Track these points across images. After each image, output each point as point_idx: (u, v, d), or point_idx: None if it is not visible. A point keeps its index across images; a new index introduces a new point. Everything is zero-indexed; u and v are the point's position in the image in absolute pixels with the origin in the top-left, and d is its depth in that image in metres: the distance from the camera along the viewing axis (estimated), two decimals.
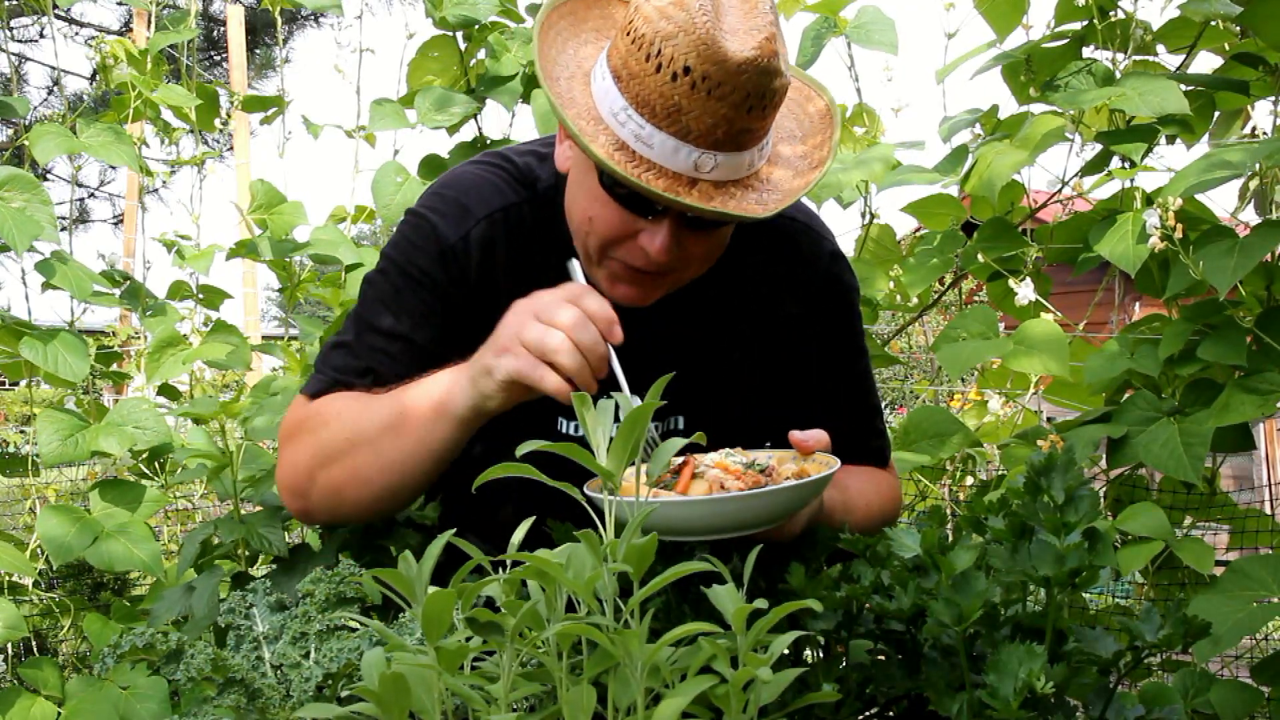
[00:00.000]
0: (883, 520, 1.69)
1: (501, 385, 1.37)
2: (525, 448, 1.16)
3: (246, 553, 2.38)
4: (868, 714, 1.26)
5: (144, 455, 2.47)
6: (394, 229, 1.76)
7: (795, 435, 1.42)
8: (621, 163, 1.35)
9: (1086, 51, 2.41)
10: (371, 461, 1.51)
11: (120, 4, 10.51)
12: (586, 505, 1.11)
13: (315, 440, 1.56)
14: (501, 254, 1.59)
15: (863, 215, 2.75)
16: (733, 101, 1.32)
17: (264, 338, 6.68)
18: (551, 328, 1.33)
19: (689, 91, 1.31)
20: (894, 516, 1.74)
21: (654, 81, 1.33)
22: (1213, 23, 2.31)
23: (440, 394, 1.45)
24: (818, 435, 1.42)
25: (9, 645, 2.62)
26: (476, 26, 2.75)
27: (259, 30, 10.22)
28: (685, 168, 1.35)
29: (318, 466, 1.56)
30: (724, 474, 1.32)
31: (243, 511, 2.36)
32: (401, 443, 1.48)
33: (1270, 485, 5.53)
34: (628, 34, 1.36)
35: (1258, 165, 2.08)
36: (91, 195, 11.30)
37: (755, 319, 1.67)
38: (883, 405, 1.83)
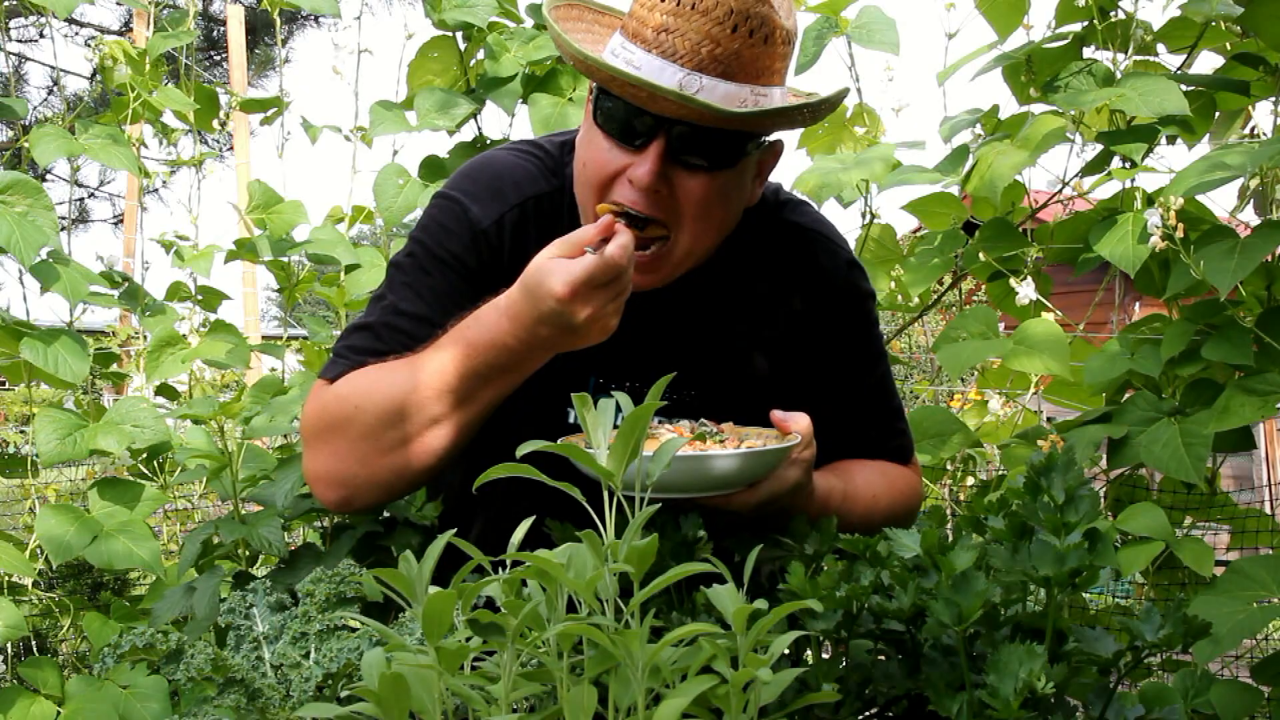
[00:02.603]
0: (891, 514, 1.67)
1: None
2: (525, 448, 1.16)
3: (247, 553, 2.38)
4: (868, 714, 1.26)
5: (143, 455, 2.47)
6: (421, 212, 1.75)
7: (776, 414, 1.43)
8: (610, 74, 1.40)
9: (1087, 52, 2.41)
10: (440, 430, 1.47)
11: (120, 4, 10.50)
12: (588, 507, 1.11)
13: (357, 425, 1.49)
14: (533, 242, 1.53)
15: (863, 215, 2.75)
16: (715, 17, 1.37)
17: (264, 338, 6.68)
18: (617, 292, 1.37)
19: (675, 9, 1.38)
20: (906, 512, 1.72)
21: (646, 11, 1.41)
22: (1213, 23, 2.30)
23: (472, 334, 1.43)
24: (797, 417, 1.44)
25: (9, 645, 2.62)
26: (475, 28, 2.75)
27: (259, 30, 10.21)
28: (671, 85, 1.38)
29: (367, 452, 1.49)
30: (677, 438, 1.32)
31: (243, 511, 2.36)
32: (477, 397, 1.46)
33: (1270, 485, 5.53)
34: None
35: (1258, 166, 2.08)
36: (91, 195, 11.29)
37: (773, 327, 1.67)
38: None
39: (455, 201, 1.60)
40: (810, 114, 1.48)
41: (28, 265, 2.19)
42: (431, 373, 1.45)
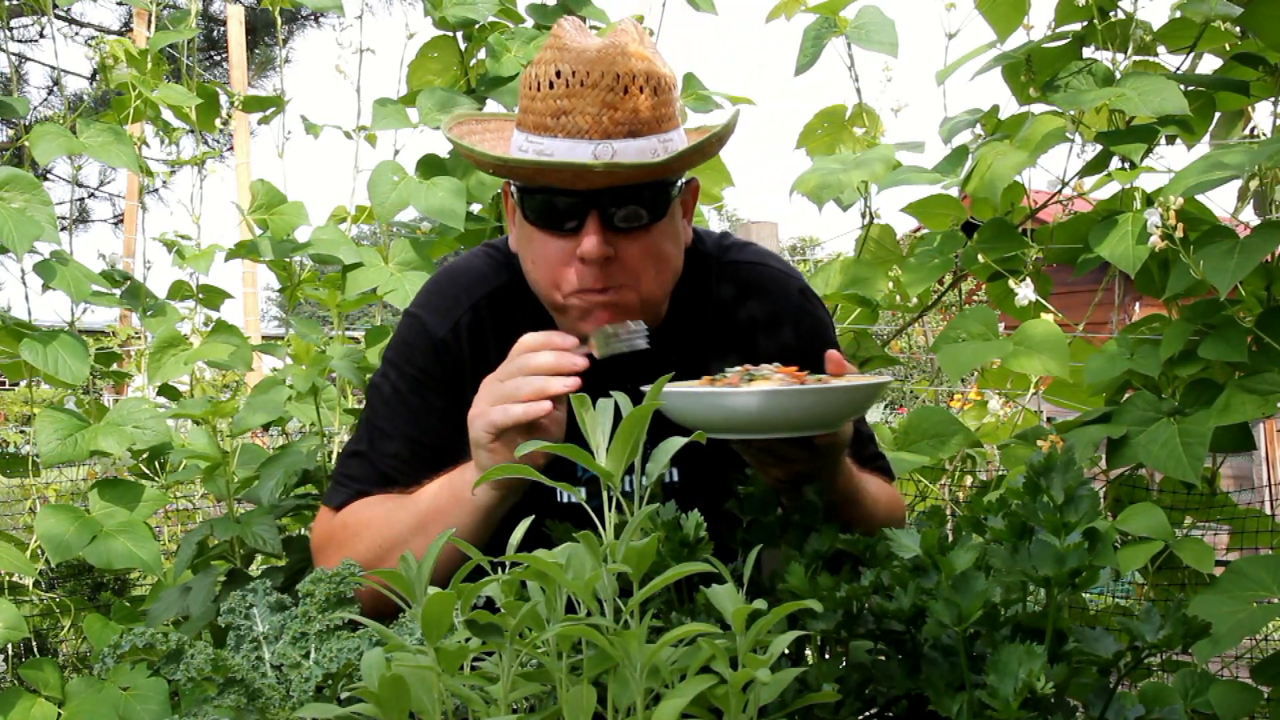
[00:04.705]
0: (887, 518, 1.71)
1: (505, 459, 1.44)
2: (524, 448, 1.17)
3: (242, 551, 2.38)
4: (868, 714, 1.26)
5: (144, 455, 2.47)
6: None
7: (833, 354, 1.48)
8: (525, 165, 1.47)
9: (1087, 52, 2.41)
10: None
11: (120, 4, 10.51)
12: (588, 508, 1.11)
13: (351, 553, 1.59)
14: (491, 337, 1.66)
15: (863, 215, 2.74)
16: (606, 85, 1.44)
17: (264, 338, 6.68)
18: (507, 381, 1.43)
19: (565, 91, 1.44)
20: (897, 521, 1.76)
21: (538, 102, 1.47)
22: (1213, 23, 2.30)
23: (458, 487, 1.51)
24: (848, 365, 1.49)
25: (9, 645, 2.62)
26: (476, 27, 2.75)
27: (259, 30, 10.22)
28: (585, 159, 1.44)
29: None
30: (790, 378, 1.38)
31: (239, 511, 2.37)
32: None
33: (1270, 485, 5.53)
34: (520, 86, 1.52)
35: (1257, 166, 2.08)
36: (91, 195, 11.30)
37: (743, 361, 1.68)
38: (883, 406, 1.86)
39: (415, 317, 1.70)
40: (718, 143, 1.57)
41: (21, 255, 2.19)
42: (411, 513, 1.57)
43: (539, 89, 1.47)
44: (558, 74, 1.45)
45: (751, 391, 1.33)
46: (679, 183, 1.58)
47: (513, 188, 1.57)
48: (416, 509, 1.55)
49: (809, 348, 1.71)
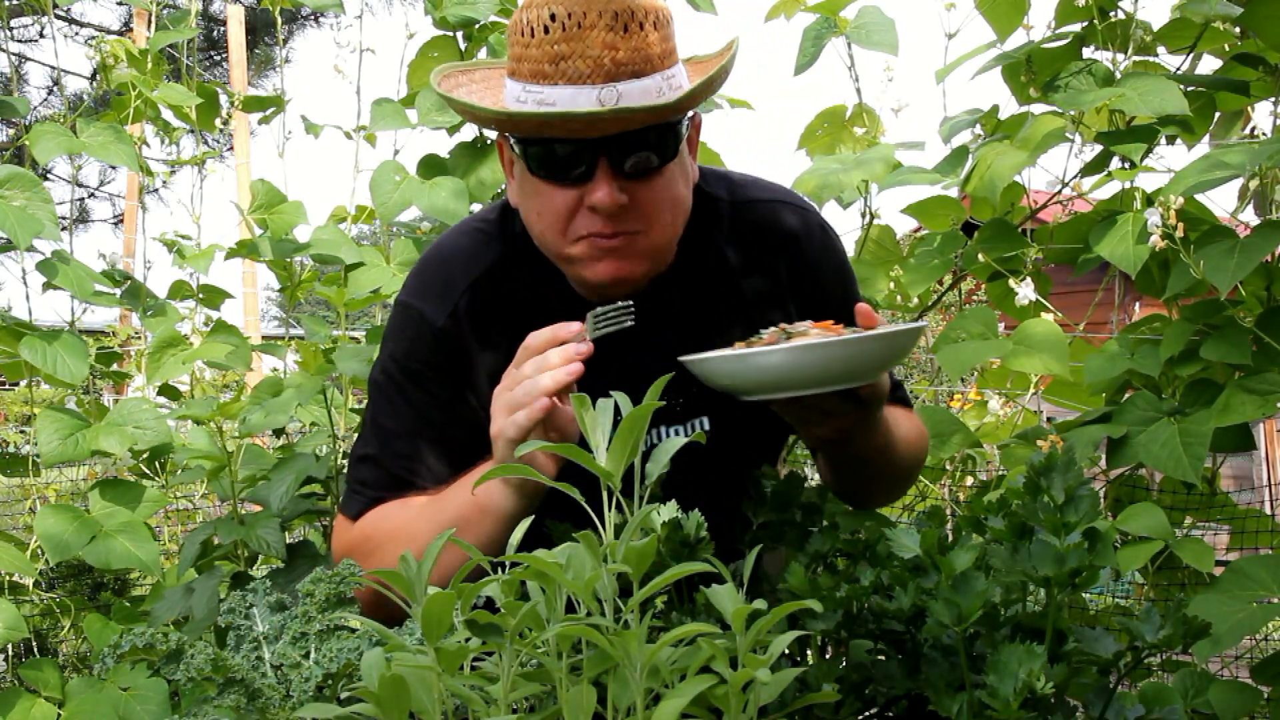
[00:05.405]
0: (918, 454, 1.74)
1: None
2: (524, 448, 1.17)
3: (246, 553, 2.38)
4: (868, 714, 1.26)
5: (144, 455, 2.47)
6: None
7: (861, 306, 1.44)
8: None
9: (1087, 52, 2.41)
10: (442, 575, 1.52)
11: (120, 4, 10.51)
12: (587, 507, 1.11)
13: (378, 566, 1.52)
14: (493, 314, 1.61)
15: (863, 215, 2.74)
16: (605, 25, 1.38)
17: (264, 338, 6.68)
18: (516, 389, 1.38)
19: (562, 35, 1.38)
20: (924, 455, 1.78)
21: (534, 49, 1.40)
22: (1213, 23, 2.30)
23: (482, 497, 1.45)
24: (877, 317, 1.46)
25: (9, 645, 2.62)
26: (477, 26, 2.75)
27: (259, 30, 10.22)
28: (591, 105, 1.39)
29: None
30: (827, 332, 1.37)
31: (242, 512, 2.37)
32: (468, 537, 1.49)
33: (1270, 485, 5.53)
34: (509, 34, 1.45)
35: (1257, 166, 2.08)
36: (91, 195, 11.31)
37: (758, 305, 1.67)
38: None
39: (409, 307, 1.64)
40: (725, 75, 1.50)
41: (23, 251, 2.19)
42: (436, 526, 1.49)
43: (533, 35, 1.40)
44: (552, 17, 1.38)
45: (788, 347, 1.33)
46: (685, 120, 1.52)
47: (511, 140, 1.51)
48: (441, 521, 1.49)
49: (833, 289, 1.69)
